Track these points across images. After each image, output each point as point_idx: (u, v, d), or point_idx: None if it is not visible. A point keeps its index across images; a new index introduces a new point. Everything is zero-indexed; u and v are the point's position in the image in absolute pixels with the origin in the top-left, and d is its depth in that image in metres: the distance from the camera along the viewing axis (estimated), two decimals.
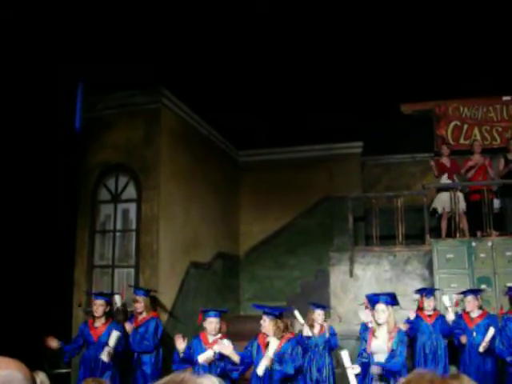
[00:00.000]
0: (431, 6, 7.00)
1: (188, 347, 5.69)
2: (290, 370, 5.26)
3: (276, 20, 7.24)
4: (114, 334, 6.27)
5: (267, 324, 5.47)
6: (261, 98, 9.51)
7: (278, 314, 5.56)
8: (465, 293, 7.15)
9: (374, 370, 5.40)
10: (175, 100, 9.26)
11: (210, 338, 5.68)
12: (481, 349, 6.49)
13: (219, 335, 5.73)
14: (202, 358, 5.39)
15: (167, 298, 8.66)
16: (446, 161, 10.00)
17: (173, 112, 9.36)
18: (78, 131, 8.18)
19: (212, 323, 5.68)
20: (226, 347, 5.32)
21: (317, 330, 7.06)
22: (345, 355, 5.16)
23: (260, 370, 5.22)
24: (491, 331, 6.44)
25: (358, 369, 5.16)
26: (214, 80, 8.64)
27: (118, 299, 7.62)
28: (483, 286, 8.21)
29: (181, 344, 5.59)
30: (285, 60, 8.31)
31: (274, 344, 5.29)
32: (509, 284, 7.57)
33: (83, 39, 7.03)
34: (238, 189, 12.51)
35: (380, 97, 9.57)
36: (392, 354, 5.32)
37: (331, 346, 7.02)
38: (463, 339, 6.80)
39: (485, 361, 6.68)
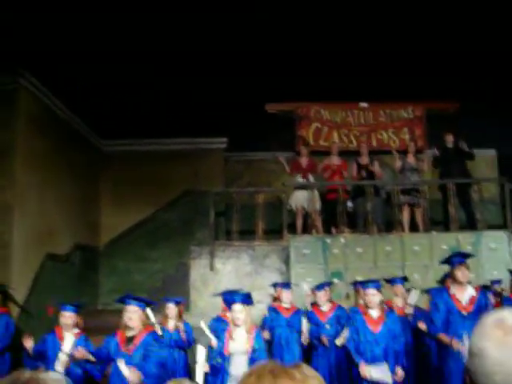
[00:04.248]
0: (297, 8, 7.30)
1: (41, 343, 5.52)
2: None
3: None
4: None
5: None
6: (127, 87, 9.30)
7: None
8: (317, 287, 7.47)
9: None
10: (35, 82, 8.70)
11: (66, 334, 5.52)
12: (338, 342, 6.69)
13: (76, 330, 5.59)
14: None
15: (20, 291, 8.16)
16: (303, 160, 10.46)
17: (32, 94, 8.81)
18: None
19: (68, 318, 5.53)
20: (79, 352, 5.08)
21: (171, 325, 6.95)
22: (201, 351, 5.14)
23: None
24: (346, 331, 6.48)
25: (207, 368, 5.14)
26: (79, 65, 8.33)
27: None
28: (335, 280, 8.74)
29: (28, 343, 5.50)
30: (152, 50, 8.21)
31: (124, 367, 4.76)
32: (358, 278, 8.10)
33: None
34: (99, 179, 12.08)
35: (246, 95, 9.80)
36: (254, 354, 5.25)
37: (188, 342, 6.95)
38: (325, 341, 6.97)
39: (336, 353, 7.03)
